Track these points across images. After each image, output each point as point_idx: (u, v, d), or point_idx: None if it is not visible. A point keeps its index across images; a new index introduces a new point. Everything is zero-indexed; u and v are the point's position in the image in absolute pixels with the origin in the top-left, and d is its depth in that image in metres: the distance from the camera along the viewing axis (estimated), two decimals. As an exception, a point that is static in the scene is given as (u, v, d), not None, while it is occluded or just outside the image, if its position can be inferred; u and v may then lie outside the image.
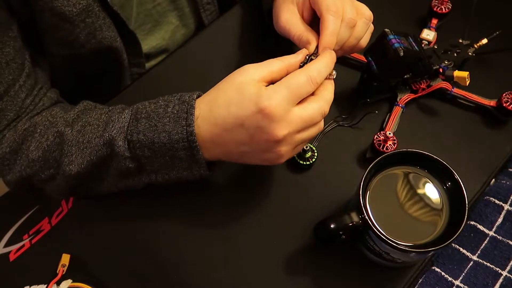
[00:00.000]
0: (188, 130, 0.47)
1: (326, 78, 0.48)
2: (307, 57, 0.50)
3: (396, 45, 0.55)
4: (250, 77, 0.46)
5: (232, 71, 0.48)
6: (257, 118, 0.44)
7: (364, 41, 0.55)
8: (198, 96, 0.49)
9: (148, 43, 0.70)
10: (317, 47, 0.51)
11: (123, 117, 0.49)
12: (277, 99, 0.44)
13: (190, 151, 0.48)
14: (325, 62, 0.48)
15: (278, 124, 0.45)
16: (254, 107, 0.44)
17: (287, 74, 0.47)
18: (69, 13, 0.53)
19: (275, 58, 0.48)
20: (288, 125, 0.45)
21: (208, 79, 0.46)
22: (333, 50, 0.50)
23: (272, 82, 0.47)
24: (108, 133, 0.49)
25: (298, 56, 0.49)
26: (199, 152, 0.48)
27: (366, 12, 0.54)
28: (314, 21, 0.54)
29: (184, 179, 0.51)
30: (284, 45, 0.57)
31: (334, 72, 0.50)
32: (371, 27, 0.56)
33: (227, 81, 0.48)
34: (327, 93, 0.48)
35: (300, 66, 0.49)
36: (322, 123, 0.49)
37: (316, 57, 0.49)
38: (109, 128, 0.49)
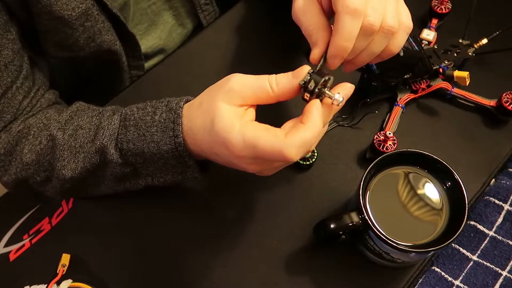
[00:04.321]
0: (176, 141, 0.46)
1: (327, 101, 0.43)
2: (309, 75, 0.42)
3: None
4: (230, 100, 0.42)
5: (231, 73, 0.45)
6: (227, 154, 0.43)
7: (397, 47, 0.47)
8: (187, 102, 0.47)
9: (145, 43, 0.70)
10: (325, 57, 0.44)
11: (112, 123, 0.49)
12: (243, 148, 0.41)
13: (181, 159, 0.47)
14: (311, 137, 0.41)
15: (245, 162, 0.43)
16: (223, 144, 0.42)
17: (275, 101, 0.43)
18: (68, 17, 0.52)
19: (268, 79, 0.43)
20: (258, 165, 0.43)
21: (207, 81, 0.46)
22: (344, 61, 0.45)
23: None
24: (100, 141, 0.48)
25: (294, 81, 0.42)
26: (191, 159, 0.47)
27: (406, 22, 0.46)
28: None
29: (180, 182, 0.51)
30: (284, 47, 0.57)
31: (338, 97, 0.42)
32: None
33: (210, 96, 0.44)
34: (303, 134, 0.41)
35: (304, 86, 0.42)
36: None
37: (316, 72, 0.42)
38: (100, 135, 0.48)
